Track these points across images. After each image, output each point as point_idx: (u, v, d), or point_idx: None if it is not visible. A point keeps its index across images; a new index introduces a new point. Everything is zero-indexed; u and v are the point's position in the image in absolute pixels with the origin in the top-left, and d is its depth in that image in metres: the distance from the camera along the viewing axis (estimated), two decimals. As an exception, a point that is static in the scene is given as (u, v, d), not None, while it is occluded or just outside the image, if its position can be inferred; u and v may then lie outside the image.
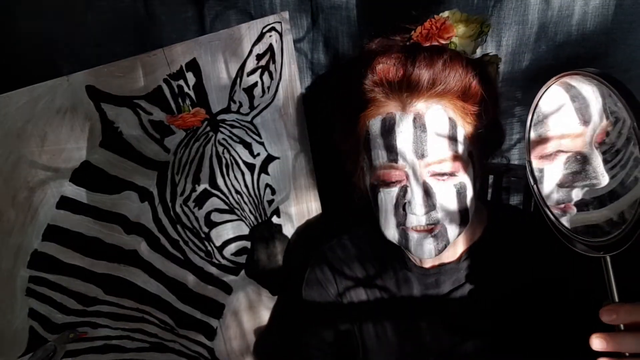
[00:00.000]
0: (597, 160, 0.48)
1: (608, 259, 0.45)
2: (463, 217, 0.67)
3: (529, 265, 0.71)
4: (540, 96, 0.51)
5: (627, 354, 0.43)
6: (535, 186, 0.55)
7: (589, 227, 0.49)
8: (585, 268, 0.49)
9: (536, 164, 0.55)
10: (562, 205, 0.52)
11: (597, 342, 0.43)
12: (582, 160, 0.50)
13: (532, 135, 0.54)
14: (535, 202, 0.57)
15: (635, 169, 0.42)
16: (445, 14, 0.66)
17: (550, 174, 0.54)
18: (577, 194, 0.51)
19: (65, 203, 0.76)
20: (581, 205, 0.50)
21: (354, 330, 0.80)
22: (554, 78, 0.49)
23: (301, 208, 1.02)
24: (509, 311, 0.71)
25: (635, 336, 0.42)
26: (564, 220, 0.51)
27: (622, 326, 0.44)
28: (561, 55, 0.94)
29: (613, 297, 0.45)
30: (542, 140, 0.54)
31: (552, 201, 0.53)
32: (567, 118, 0.50)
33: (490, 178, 1.02)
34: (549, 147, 0.53)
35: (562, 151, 0.52)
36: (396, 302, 0.78)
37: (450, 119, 0.64)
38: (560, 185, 0.53)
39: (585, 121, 0.49)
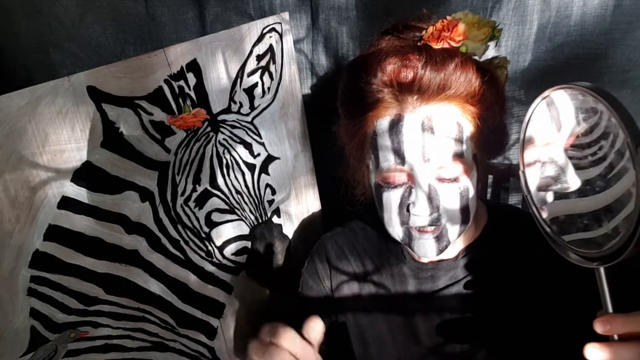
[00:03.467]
0: (568, 165, 0.48)
1: (602, 270, 0.45)
2: (464, 218, 0.67)
3: (525, 264, 0.72)
4: (535, 107, 0.52)
5: None
6: (529, 195, 0.55)
7: (583, 240, 0.49)
8: (582, 273, 0.49)
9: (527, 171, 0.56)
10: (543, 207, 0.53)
11: (591, 352, 0.43)
12: (556, 164, 0.50)
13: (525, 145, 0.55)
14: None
15: (629, 182, 0.42)
16: (458, 15, 0.64)
17: (533, 178, 0.54)
18: (553, 197, 0.52)
19: (66, 203, 0.76)
20: (575, 217, 0.50)
21: (347, 322, 0.81)
22: (548, 90, 0.49)
23: (301, 208, 1.02)
24: (503, 310, 0.71)
25: (629, 346, 0.42)
26: (558, 231, 0.51)
27: (616, 336, 0.43)
28: (560, 56, 0.94)
29: (607, 307, 0.45)
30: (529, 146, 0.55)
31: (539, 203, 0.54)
32: (548, 126, 0.51)
33: (490, 178, 1.03)
34: (532, 155, 0.54)
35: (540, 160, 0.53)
36: (390, 295, 0.78)
37: (458, 123, 0.64)
38: (538, 189, 0.54)
39: (560, 129, 0.49)
